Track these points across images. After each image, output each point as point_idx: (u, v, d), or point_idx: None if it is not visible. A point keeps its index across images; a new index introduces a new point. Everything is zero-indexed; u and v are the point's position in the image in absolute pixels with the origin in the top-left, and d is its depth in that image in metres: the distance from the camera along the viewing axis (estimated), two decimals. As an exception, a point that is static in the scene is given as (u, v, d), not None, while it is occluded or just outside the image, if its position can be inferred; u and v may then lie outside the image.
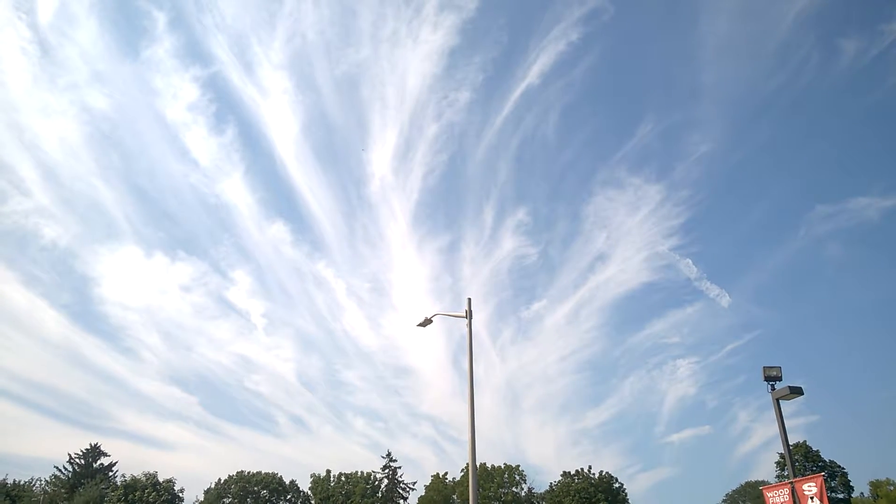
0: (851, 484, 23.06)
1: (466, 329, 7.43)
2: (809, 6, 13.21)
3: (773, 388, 7.05)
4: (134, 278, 44.31)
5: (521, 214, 43.59)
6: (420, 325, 8.15)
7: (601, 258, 40.54)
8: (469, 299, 7.68)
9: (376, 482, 24.26)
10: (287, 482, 25.44)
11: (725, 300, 37.49)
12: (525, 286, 44.11)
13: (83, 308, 43.45)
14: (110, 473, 22.99)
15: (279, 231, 45.41)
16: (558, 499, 22.87)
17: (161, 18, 14.41)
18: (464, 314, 7.60)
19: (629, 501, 23.52)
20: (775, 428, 7.04)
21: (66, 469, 22.98)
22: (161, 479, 21.42)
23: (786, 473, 20.29)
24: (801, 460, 21.92)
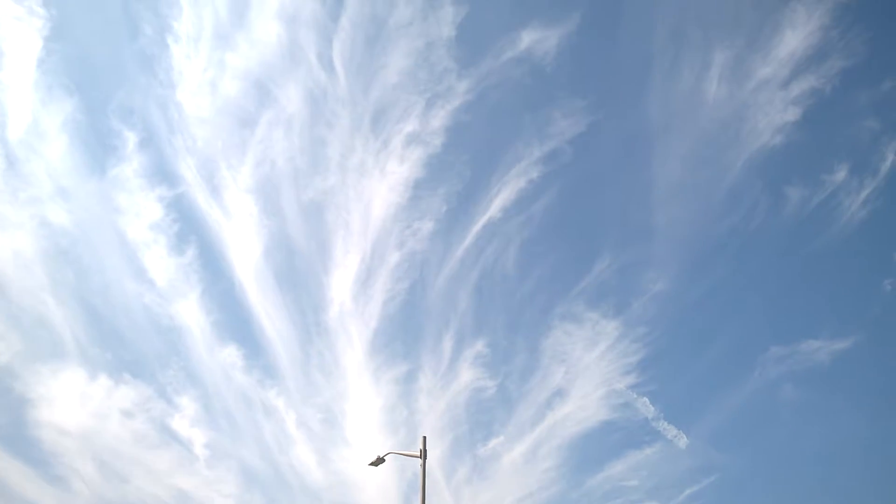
0: None
1: (420, 469, 7.22)
2: (757, 155, 13.97)
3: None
4: (74, 401, 42.49)
5: (479, 346, 42.80)
6: (372, 464, 7.90)
7: (559, 394, 39.87)
8: (424, 437, 7.43)
9: None
10: None
11: (683, 441, 37.03)
12: (482, 421, 42.94)
13: (15, 431, 41.27)
14: None
15: (231, 355, 43.92)
16: None
17: (132, 138, 14.49)
18: (418, 454, 7.37)
19: None
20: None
21: None
22: None
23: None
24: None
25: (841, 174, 12.38)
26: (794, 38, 11.75)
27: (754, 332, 14.58)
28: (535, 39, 12.21)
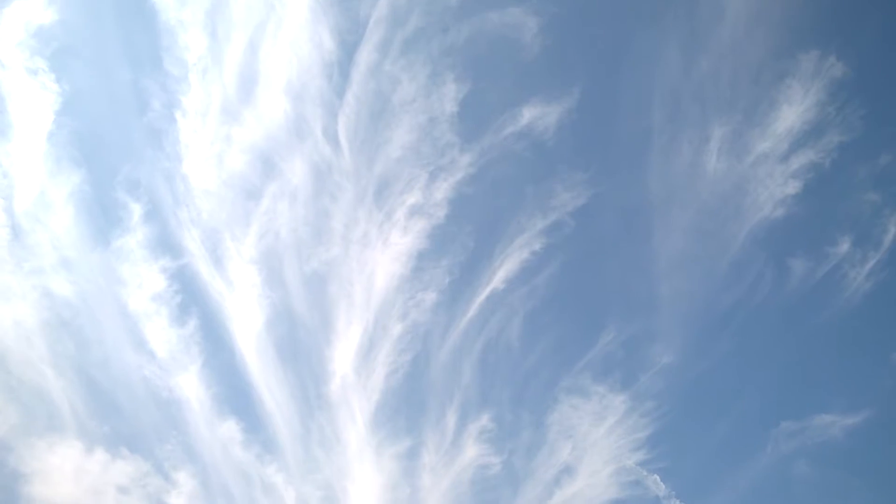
0: None
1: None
2: (759, 227, 14.15)
3: None
4: (70, 476, 41.59)
5: (484, 420, 41.77)
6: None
7: (567, 471, 38.64)
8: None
9: None
10: None
11: (696, 521, 36.02)
12: (488, 500, 41.70)
13: (6, 508, 40.61)
14: None
15: (230, 430, 43.05)
16: None
17: (137, 210, 14.89)
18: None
19: None
20: None
21: None
22: None
23: None
24: None
25: (844, 246, 12.39)
26: (791, 114, 11.96)
27: (765, 406, 14.32)
28: (536, 115, 12.46)
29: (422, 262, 14.84)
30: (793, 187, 12.03)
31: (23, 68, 12.12)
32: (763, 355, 14.34)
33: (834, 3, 11.24)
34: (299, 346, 17.98)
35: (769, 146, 11.97)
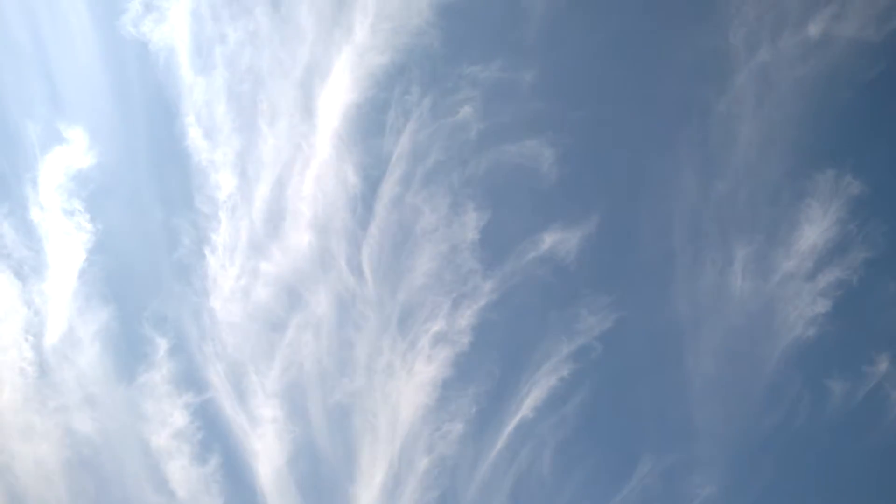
0: None
1: None
2: (792, 348, 13.86)
3: None
4: None
5: None
6: None
7: None
8: None
9: None
10: None
11: None
12: None
13: None
14: None
15: None
16: None
17: (163, 345, 14.89)
18: None
19: None
20: None
21: None
22: None
23: None
24: None
25: (883, 365, 11.93)
26: (813, 233, 11.93)
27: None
28: (557, 240, 12.58)
29: (447, 391, 14.57)
30: (822, 305, 11.81)
31: (60, 210, 12.67)
32: (807, 483, 13.53)
33: (844, 124, 11.53)
34: (322, 484, 17.40)
35: (794, 265, 11.89)
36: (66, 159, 12.75)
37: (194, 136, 13.31)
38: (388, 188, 13.91)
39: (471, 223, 13.96)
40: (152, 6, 12.44)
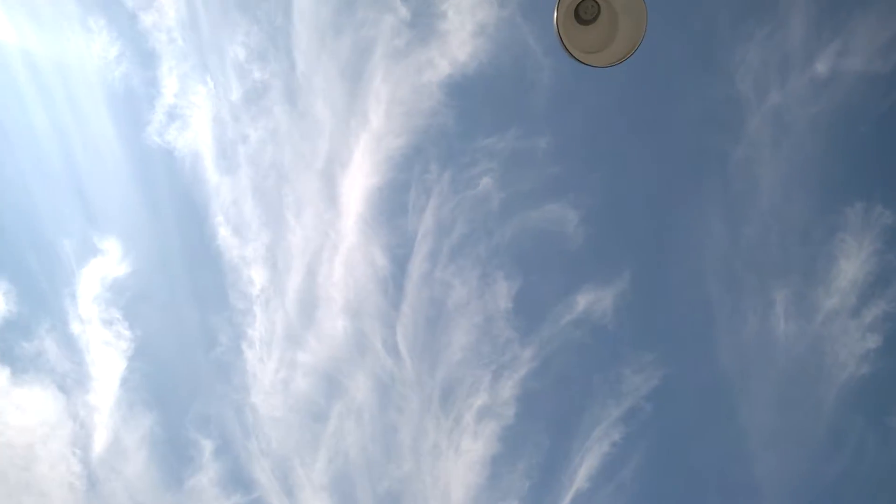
0: None
1: None
2: (847, 388, 13.34)
3: None
4: None
5: None
6: None
7: None
8: None
9: None
10: None
11: None
12: None
13: None
14: None
15: None
16: None
17: (208, 447, 14.71)
18: None
19: None
20: None
21: None
22: None
23: None
24: None
25: (944, 395, 11.44)
26: (851, 267, 11.67)
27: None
28: (591, 301, 12.46)
29: (497, 467, 14.21)
30: (872, 341, 11.43)
31: (99, 320, 12.88)
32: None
33: (866, 157, 11.47)
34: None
35: (837, 302, 11.59)
36: (101, 270, 13.06)
37: (224, 235, 13.62)
38: (417, 266, 14.01)
39: (502, 292, 13.93)
40: (175, 115, 12.95)
